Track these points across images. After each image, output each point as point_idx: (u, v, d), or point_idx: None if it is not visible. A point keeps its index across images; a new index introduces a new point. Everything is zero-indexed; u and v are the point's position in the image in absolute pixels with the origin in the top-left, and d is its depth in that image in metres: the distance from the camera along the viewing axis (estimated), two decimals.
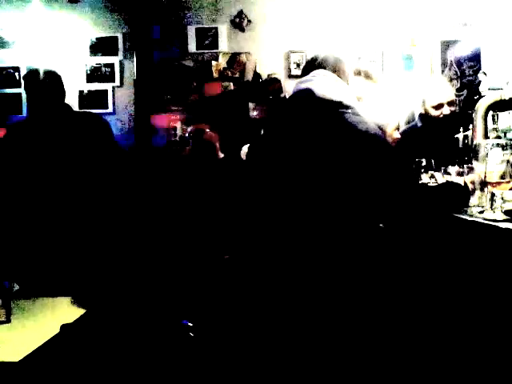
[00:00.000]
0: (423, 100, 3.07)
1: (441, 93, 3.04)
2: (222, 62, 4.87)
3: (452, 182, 1.95)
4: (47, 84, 2.73)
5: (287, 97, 2.01)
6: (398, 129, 2.45)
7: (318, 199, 1.70)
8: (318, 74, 1.91)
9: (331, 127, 1.74)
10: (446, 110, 2.99)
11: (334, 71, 1.92)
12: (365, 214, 1.73)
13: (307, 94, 1.84)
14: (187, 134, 4.07)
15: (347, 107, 1.77)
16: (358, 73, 2.26)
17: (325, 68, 1.93)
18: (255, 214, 1.86)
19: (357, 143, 1.70)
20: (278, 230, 1.76)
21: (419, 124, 3.11)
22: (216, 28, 4.89)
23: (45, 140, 2.70)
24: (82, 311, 2.00)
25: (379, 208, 1.73)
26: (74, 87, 4.90)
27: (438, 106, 3.00)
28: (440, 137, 2.94)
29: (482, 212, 1.80)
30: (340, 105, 1.77)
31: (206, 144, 3.81)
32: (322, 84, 1.85)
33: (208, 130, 3.86)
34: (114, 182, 2.81)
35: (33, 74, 2.78)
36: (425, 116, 3.07)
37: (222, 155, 3.80)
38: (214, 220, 3.44)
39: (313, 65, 1.97)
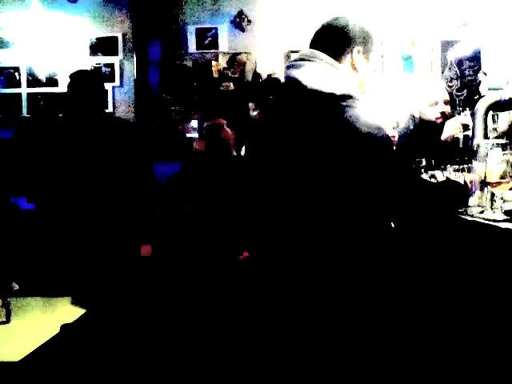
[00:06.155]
0: (418, 102, 3.02)
1: (435, 91, 3.02)
2: (222, 62, 4.87)
3: (452, 180, 1.93)
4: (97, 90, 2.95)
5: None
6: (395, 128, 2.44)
7: (317, 200, 1.65)
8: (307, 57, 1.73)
9: (325, 124, 1.59)
10: (442, 108, 2.95)
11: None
12: (366, 214, 1.69)
13: (295, 85, 1.67)
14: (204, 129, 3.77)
15: (342, 99, 1.60)
16: None
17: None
18: (258, 215, 1.82)
19: (355, 140, 1.58)
20: (278, 233, 1.72)
21: (411, 127, 3.04)
22: (216, 28, 4.89)
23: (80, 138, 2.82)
24: (82, 311, 2.00)
25: (382, 207, 1.68)
26: None
27: (434, 104, 2.97)
28: (435, 139, 2.92)
29: (482, 212, 1.80)
30: (333, 97, 1.60)
31: (221, 141, 3.54)
32: (310, 72, 1.67)
33: (225, 126, 3.58)
34: (119, 182, 2.84)
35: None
36: (421, 121, 3.01)
37: (235, 153, 3.59)
38: (222, 218, 3.36)
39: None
